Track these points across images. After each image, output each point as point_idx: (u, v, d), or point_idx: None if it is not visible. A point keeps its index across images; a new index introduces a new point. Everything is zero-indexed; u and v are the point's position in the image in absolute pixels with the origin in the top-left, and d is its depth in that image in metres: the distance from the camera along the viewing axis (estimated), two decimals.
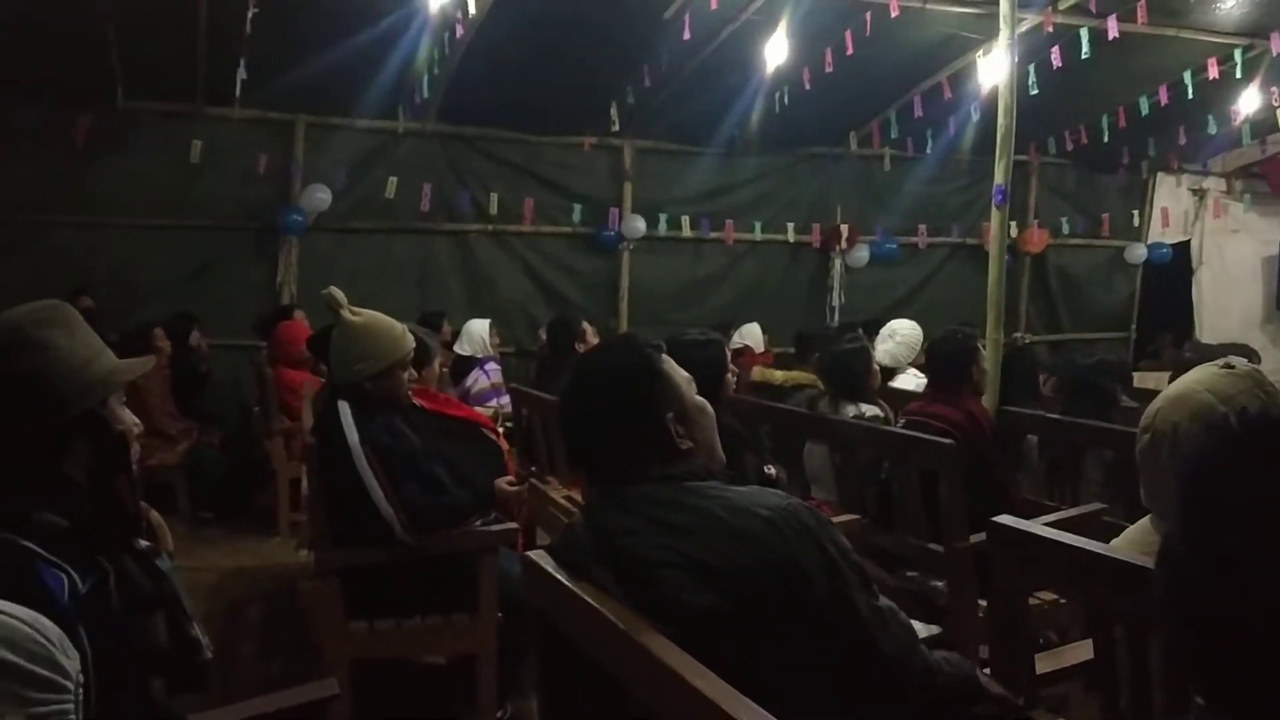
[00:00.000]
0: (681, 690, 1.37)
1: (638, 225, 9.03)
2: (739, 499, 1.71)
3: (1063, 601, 3.59)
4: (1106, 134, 8.40)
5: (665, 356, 1.87)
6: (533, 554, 1.89)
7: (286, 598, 5.02)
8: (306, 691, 1.97)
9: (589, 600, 1.64)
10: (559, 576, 1.76)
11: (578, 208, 8.96)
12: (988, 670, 2.32)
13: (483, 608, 3.23)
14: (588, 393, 1.85)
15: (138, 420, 1.75)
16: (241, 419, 7.19)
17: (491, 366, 6.66)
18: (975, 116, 8.12)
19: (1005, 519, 2.22)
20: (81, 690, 1.11)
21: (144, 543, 1.71)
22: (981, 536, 3.67)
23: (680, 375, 1.88)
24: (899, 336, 5.64)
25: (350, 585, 3.23)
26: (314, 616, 3.57)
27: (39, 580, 1.49)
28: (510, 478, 3.53)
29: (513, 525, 3.44)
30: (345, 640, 3.18)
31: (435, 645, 3.37)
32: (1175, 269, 10.62)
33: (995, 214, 4.92)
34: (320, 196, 8.01)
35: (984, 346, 4.46)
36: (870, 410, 4.38)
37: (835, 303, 9.67)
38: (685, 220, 9.28)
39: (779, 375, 5.36)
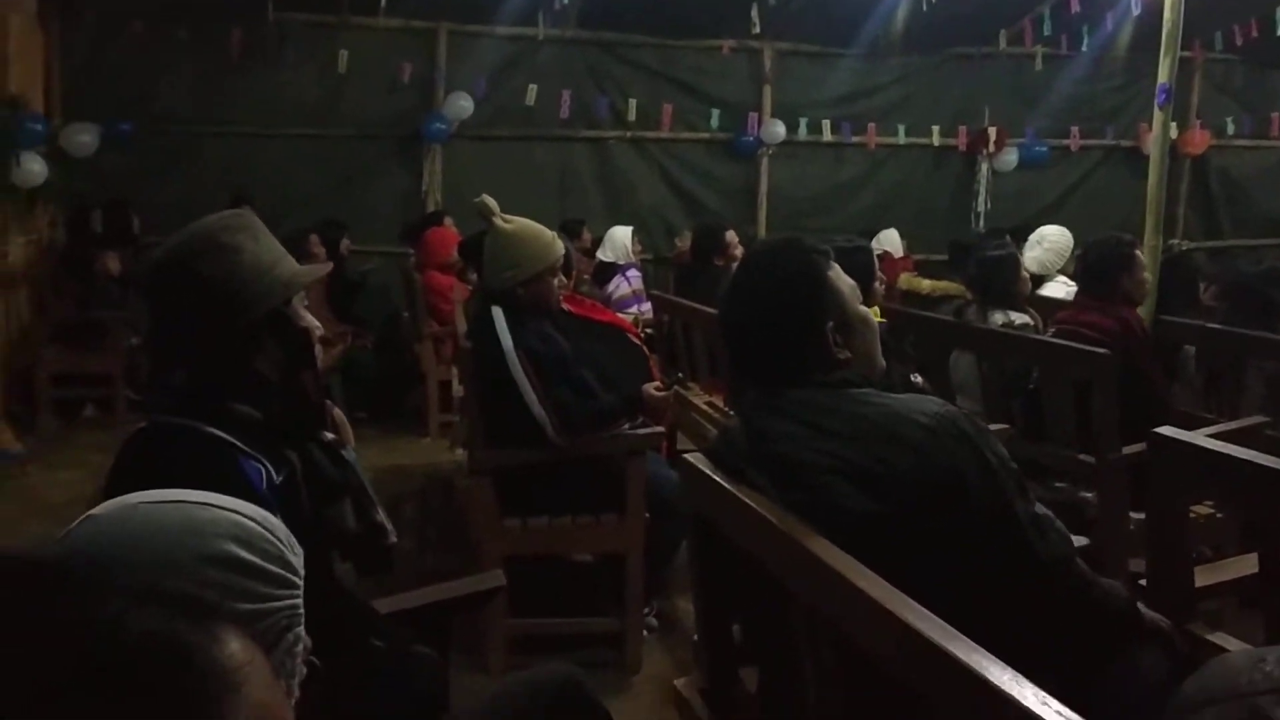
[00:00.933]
0: (844, 590, 1.40)
1: (777, 130, 8.90)
2: (898, 405, 1.72)
3: (1219, 515, 3.52)
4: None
5: (833, 264, 1.88)
6: (690, 456, 1.94)
7: (440, 495, 5.24)
8: (476, 582, 2.08)
9: (749, 502, 1.69)
10: (716, 478, 1.81)
11: (716, 113, 8.86)
12: (1142, 582, 2.31)
13: (630, 508, 3.33)
14: (752, 294, 1.86)
15: (318, 323, 1.83)
16: (391, 324, 7.42)
17: (633, 273, 6.72)
18: (1136, 10, 7.68)
19: (1167, 430, 2.17)
20: None
21: (330, 435, 1.81)
22: (1135, 448, 3.61)
23: (845, 283, 1.88)
24: (1047, 243, 5.48)
25: (503, 484, 3.36)
26: (469, 514, 3.72)
27: (240, 471, 1.59)
28: (657, 383, 3.59)
29: (659, 429, 3.51)
30: (500, 536, 3.31)
31: (585, 543, 3.49)
32: None
33: (1157, 114, 4.69)
34: (463, 104, 8.11)
35: (1140, 254, 4.30)
36: (1020, 318, 4.28)
37: (981, 209, 9.39)
38: (826, 124, 9.09)
39: (926, 284, 5.28)
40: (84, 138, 7.37)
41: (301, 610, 1.10)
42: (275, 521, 1.13)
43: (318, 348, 1.79)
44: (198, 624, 0.64)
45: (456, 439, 4.77)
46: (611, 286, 6.65)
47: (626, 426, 3.45)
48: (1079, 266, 4.35)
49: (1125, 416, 3.59)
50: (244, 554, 1.07)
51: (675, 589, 3.88)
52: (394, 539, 1.73)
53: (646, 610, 3.59)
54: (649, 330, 5.50)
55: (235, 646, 0.64)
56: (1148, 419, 3.67)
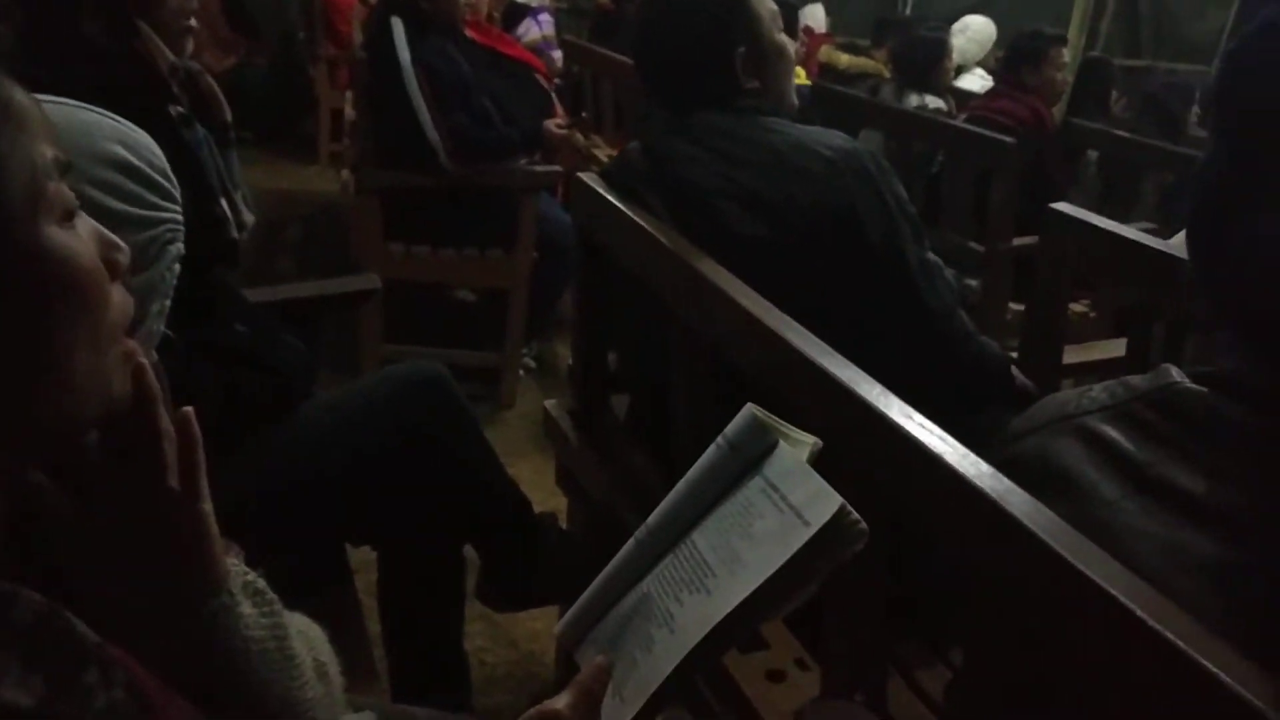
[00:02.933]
0: (725, 307, 1.36)
1: None
2: (804, 136, 1.66)
3: (1093, 315, 3.60)
4: None
5: None
6: (582, 174, 1.86)
7: (323, 223, 5.07)
8: (351, 281, 2.00)
9: (638, 220, 1.62)
10: (607, 195, 1.73)
11: None
12: (1014, 355, 2.35)
13: (520, 244, 3.24)
14: (665, 7, 1.75)
15: None
16: (285, 44, 6.99)
17: (545, 17, 6.39)
18: None
19: (1063, 206, 2.17)
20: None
21: (178, 109, 1.64)
22: (1025, 240, 3.65)
23: (766, 8, 1.77)
24: (970, 31, 5.37)
25: (390, 208, 3.23)
26: (352, 234, 3.59)
27: None
28: (559, 120, 3.45)
29: (556, 168, 3.40)
30: (382, 260, 3.21)
31: (470, 276, 3.42)
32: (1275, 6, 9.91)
33: None
34: None
35: (1064, 51, 4.24)
36: (935, 102, 4.23)
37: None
38: None
39: (844, 59, 5.13)
40: None
41: (182, 227, 1.03)
42: (149, 138, 1.05)
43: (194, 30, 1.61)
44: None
45: (347, 161, 4.57)
46: (521, 30, 6.31)
47: (524, 162, 3.32)
48: (1004, 54, 4.29)
49: (1020, 210, 3.62)
50: (131, 158, 1.00)
51: (556, 335, 3.86)
52: (235, 234, 1.62)
53: (525, 350, 3.57)
54: (558, 82, 5.28)
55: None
56: (1042, 214, 3.72)
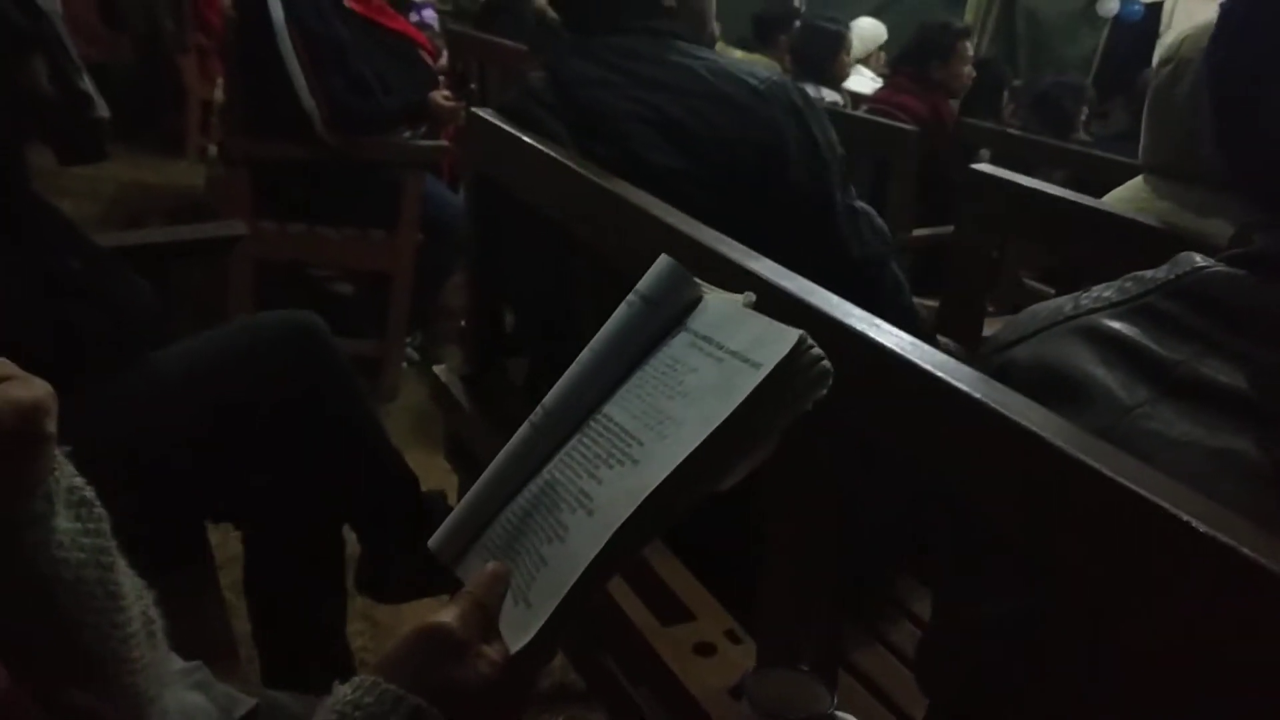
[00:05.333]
0: (651, 231, 1.20)
1: None
2: (728, 63, 1.51)
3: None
4: None
5: None
6: (478, 110, 1.67)
7: (188, 218, 4.73)
8: (213, 228, 1.77)
9: (539, 147, 1.44)
10: (506, 127, 1.55)
11: None
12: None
13: (403, 224, 3.02)
14: None
15: None
16: (152, 34, 6.63)
17: (429, 13, 6.18)
18: None
19: (985, 166, 2.07)
20: None
21: None
22: (924, 232, 3.60)
23: None
24: (857, 30, 5.33)
25: (261, 183, 2.98)
26: (218, 209, 3.32)
27: None
28: (446, 93, 3.25)
29: (442, 143, 3.19)
30: (252, 238, 2.95)
31: (349, 257, 3.17)
32: (1143, 30, 10.27)
33: None
34: None
35: (968, 46, 4.22)
36: (831, 95, 4.15)
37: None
38: None
39: (738, 54, 5.04)
40: None
41: None
42: None
43: None
44: None
45: (214, 135, 4.27)
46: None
47: (407, 135, 3.11)
48: (903, 49, 4.25)
49: (921, 205, 3.57)
50: None
51: (443, 332, 3.64)
52: (103, 114, 1.38)
53: (408, 340, 3.34)
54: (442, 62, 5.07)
55: None
56: (943, 207, 3.66)
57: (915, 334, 1.68)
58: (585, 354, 0.72)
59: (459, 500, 1.92)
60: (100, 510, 0.63)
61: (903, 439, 0.88)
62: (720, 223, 1.36)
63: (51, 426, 0.57)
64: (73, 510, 0.61)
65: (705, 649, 1.20)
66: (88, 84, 1.37)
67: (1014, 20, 10.01)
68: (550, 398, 0.72)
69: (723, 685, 1.15)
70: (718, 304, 0.69)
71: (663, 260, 0.72)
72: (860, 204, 1.58)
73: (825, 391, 0.62)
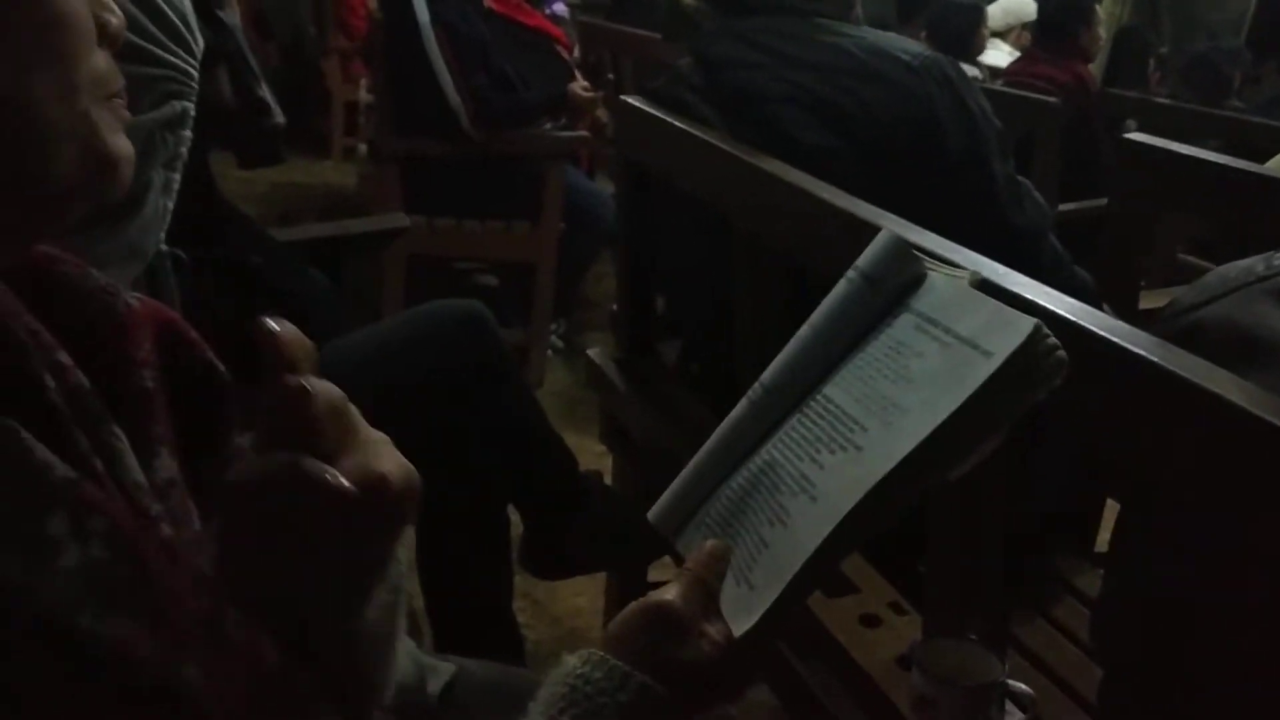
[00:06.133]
0: (808, 207, 1.21)
1: None
2: (879, 39, 1.51)
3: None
4: None
5: None
6: (627, 97, 1.71)
7: (338, 215, 4.93)
8: (377, 221, 1.85)
9: (693, 131, 1.47)
10: (656, 112, 1.58)
11: None
12: None
13: (546, 215, 3.09)
14: None
15: None
16: (296, 40, 6.89)
17: (560, 5, 6.27)
18: None
19: (1139, 136, 2.02)
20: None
21: None
22: (1070, 206, 3.50)
23: None
24: (1006, 2, 5.18)
25: (410, 180, 3.09)
26: (370, 207, 3.45)
27: None
28: (585, 84, 3.31)
29: (582, 134, 3.25)
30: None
31: (495, 249, 3.26)
32: None
33: None
34: None
35: (1099, 8, 4.09)
36: (971, 71, 4.06)
37: None
38: None
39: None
40: None
41: (194, 86, 0.87)
42: None
43: None
44: None
45: (363, 135, 4.40)
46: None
47: (548, 127, 3.18)
48: (1038, 18, 4.14)
49: (1066, 177, 3.47)
50: None
51: (585, 319, 3.71)
52: (280, 120, 1.46)
53: (553, 328, 3.42)
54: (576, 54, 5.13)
55: None
56: (1090, 180, 3.56)
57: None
58: (804, 330, 0.71)
59: (613, 480, 1.97)
60: None
61: (1074, 409, 0.88)
62: (877, 199, 1.38)
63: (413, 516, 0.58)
64: None
65: (871, 620, 1.22)
66: (266, 92, 1.45)
67: None
68: (768, 374, 0.72)
69: (890, 656, 1.16)
70: (942, 284, 0.67)
71: (884, 234, 0.70)
72: (1021, 179, 1.57)
73: (1059, 382, 0.60)
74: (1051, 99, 3.41)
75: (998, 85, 3.93)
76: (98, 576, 0.44)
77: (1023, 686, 0.97)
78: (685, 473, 0.75)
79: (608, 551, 1.77)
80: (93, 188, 0.53)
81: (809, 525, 0.62)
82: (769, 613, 0.62)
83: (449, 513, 1.60)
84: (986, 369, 0.59)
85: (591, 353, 1.88)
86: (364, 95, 5.20)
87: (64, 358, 0.54)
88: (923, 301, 0.67)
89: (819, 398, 0.68)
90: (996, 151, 1.51)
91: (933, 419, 0.59)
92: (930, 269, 0.69)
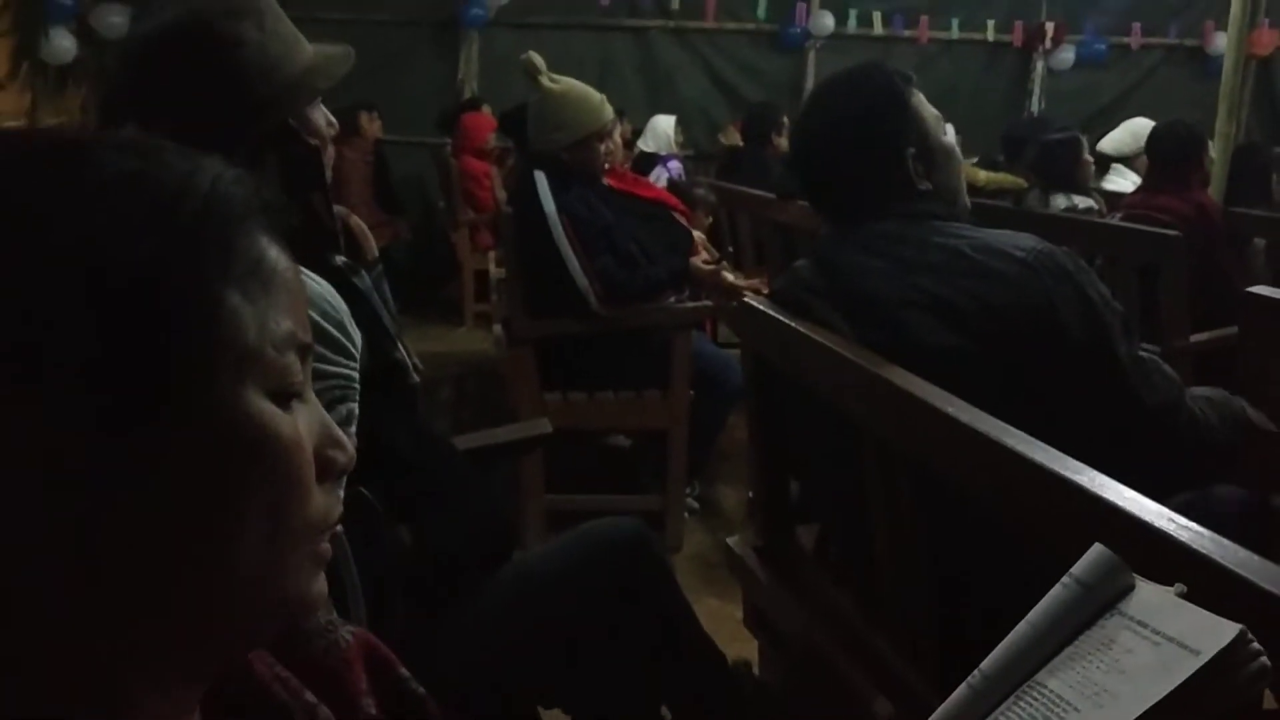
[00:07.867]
0: (932, 420, 1.27)
1: (825, 22, 8.55)
2: (990, 238, 1.57)
3: None
4: None
5: (915, 90, 1.71)
6: (749, 298, 1.80)
7: (475, 381, 5.14)
8: (522, 428, 1.97)
9: (814, 336, 1.55)
10: (780, 316, 1.66)
11: (762, 2, 8.54)
12: None
13: (675, 383, 3.20)
14: (827, 115, 1.71)
15: (332, 120, 1.52)
16: (426, 214, 7.28)
17: (674, 164, 6.52)
18: None
19: (1262, 289, 2.02)
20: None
21: (341, 259, 1.51)
22: (1202, 336, 3.45)
23: (929, 111, 1.72)
24: (1134, 127, 5.16)
25: (543, 357, 3.24)
26: (509, 386, 3.60)
27: None
28: (705, 256, 3.44)
29: (706, 304, 3.37)
30: (540, 409, 3.19)
31: (627, 418, 3.37)
32: None
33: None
34: None
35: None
36: (1084, 202, 4.10)
37: (1035, 109, 9.05)
38: (877, 16, 8.73)
39: (982, 175, 5.05)
40: (114, 19, 7.17)
41: (356, 385, 0.98)
42: (338, 296, 1.01)
43: (329, 151, 1.50)
44: None
45: (495, 315, 4.63)
46: (652, 177, 6.45)
47: (672, 300, 3.31)
48: (1149, 151, 4.14)
49: (1195, 306, 3.44)
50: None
51: (717, 474, 3.78)
52: (416, 380, 1.57)
53: (688, 491, 3.49)
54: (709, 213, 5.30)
55: None
56: (1222, 309, 3.51)
57: (1219, 464, 1.66)
58: (1023, 627, 0.77)
59: (760, 668, 2.00)
60: None
61: None
62: (1006, 394, 1.42)
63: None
64: None
65: None
66: (402, 352, 1.54)
67: (1274, 87, 9.47)
68: (988, 664, 0.77)
69: None
70: (1150, 592, 0.73)
71: (1097, 549, 0.77)
72: (1145, 353, 1.59)
73: (1264, 687, 0.65)
74: (1173, 232, 3.40)
75: (1117, 219, 3.94)
76: None
77: None
78: None
79: None
80: (285, 621, 0.58)
81: None
82: None
83: (606, 717, 1.67)
84: (1194, 664, 0.64)
85: (731, 542, 1.93)
86: (493, 268, 5.44)
87: (310, 697, 0.62)
88: (1133, 606, 0.72)
89: (1034, 683, 0.74)
90: (1120, 336, 1.54)
91: (1140, 705, 0.64)
92: (1138, 580, 0.75)
